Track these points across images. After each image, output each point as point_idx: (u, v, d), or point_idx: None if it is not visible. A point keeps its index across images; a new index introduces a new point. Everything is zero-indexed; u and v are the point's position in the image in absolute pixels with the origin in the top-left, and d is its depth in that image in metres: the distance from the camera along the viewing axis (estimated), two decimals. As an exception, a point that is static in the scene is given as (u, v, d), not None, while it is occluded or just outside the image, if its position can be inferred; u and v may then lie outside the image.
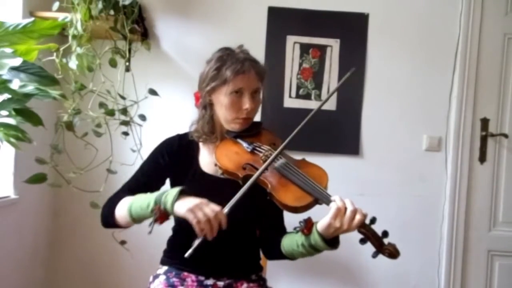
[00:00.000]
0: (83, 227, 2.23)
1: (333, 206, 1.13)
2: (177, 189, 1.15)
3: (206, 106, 1.37)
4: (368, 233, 1.14)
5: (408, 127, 2.29)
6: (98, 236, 2.18)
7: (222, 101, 1.31)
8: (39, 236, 2.15)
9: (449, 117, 2.29)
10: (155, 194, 1.17)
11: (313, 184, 1.18)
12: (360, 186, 2.25)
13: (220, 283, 1.35)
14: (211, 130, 1.37)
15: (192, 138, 1.39)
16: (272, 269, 1.99)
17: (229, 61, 1.29)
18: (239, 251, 1.39)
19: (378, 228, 1.16)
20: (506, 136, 2.28)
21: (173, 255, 1.41)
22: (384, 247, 1.13)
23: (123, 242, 1.95)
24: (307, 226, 1.18)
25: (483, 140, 2.29)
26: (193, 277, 1.35)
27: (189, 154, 1.39)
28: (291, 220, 1.34)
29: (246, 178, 1.22)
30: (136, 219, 1.20)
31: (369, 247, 1.16)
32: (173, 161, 1.37)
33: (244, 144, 1.31)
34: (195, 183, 1.34)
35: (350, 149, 2.28)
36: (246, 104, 1.29)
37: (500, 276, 2.30)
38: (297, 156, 1.36)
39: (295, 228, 1.22)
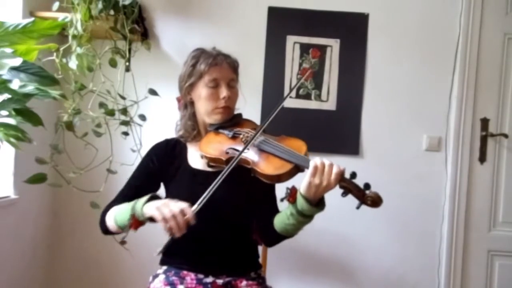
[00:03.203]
0: (83, 227, 2.23)
1: (311, 165, 1.17)
2: (147, 196, 1.22)
3: (187, 105, 1.45)
4: (349, 186, 1.16)
5: (408, 127, 2.29)
6: (98, 236, 2.15)
7: (201, 94, 1.38)
8: (39, 236, 2.15)
9: (449, 117, 2.29)
10: (133, 202, 1.23)
11: (292, 152, 1.22)
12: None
13: (219, 281, 1.36)
14: (193, 127, 1.44)
15: (179, 139, 1.46)
16: (272, 268, 1.99)
17: (202, 57, 1.39)
18: (237, 248, 1.40)
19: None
20: (506, 136, 2.28)
21: (173, 255, 1.40)
22: (366, 196, 1.14)
23: (123, 242, 1.95)
24: (292, 193, 1.22)
25: (483, 140, 2.29)
26: (192, 275, 1.36)
27: (177, 155, 1.44)
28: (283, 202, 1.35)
29: (229, 160, 1.27)
30: (123, 228, 1.26)
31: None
32: (162, 164, 1.42)
33: (226, 132, 1.37)
34: (185, 180, 1.39)
35: (350, 149, 2.28)
36: (224, 92, 1.37)
37: (500, 276, 2.30)
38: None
39: (281, 199, 1.25)
